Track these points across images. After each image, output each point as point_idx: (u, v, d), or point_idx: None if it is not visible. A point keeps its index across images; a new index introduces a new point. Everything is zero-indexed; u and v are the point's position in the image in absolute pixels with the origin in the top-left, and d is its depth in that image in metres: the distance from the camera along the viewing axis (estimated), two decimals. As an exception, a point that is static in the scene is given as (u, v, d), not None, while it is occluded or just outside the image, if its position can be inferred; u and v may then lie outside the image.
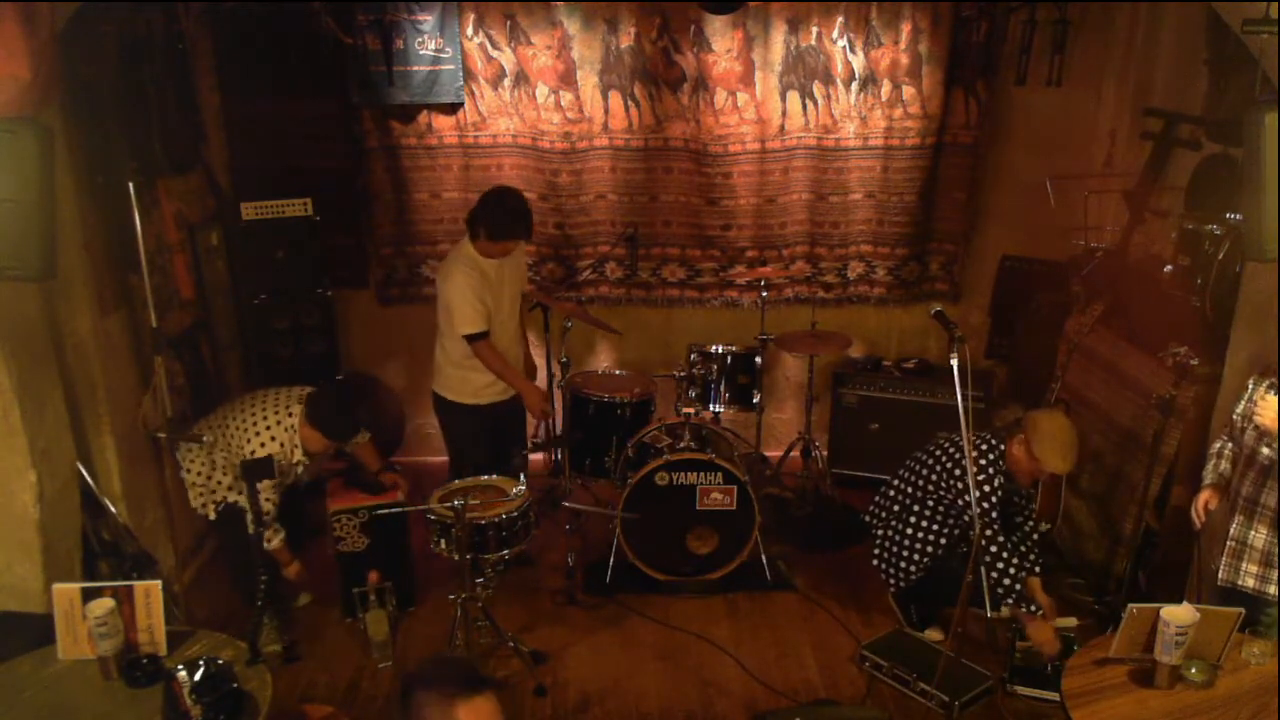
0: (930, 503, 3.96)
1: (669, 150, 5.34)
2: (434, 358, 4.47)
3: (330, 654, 4.05)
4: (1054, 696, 3.62)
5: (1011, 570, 3.65)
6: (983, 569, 3.71)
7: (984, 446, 3.77)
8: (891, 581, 4.13)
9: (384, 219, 5.43)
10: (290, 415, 3.93)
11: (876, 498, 4.23)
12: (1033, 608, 3.68)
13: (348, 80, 5.02)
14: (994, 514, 3.70)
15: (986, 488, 3.70)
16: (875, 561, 4.16)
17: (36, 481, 3.34)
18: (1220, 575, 3.27)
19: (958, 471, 3.81)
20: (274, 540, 3.95)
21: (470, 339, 4.19)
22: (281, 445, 3.89)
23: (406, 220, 5.43)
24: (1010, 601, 3.66)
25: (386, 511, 3.96)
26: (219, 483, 3.98)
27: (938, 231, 5.60)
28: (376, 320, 5.63)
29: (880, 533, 4.14)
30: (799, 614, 4.34)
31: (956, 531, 3.84)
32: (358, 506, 4.13)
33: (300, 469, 4.04)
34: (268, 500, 3.87)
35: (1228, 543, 3.25)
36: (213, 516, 4.04)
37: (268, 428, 3.88)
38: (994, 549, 3.69)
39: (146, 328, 4.09)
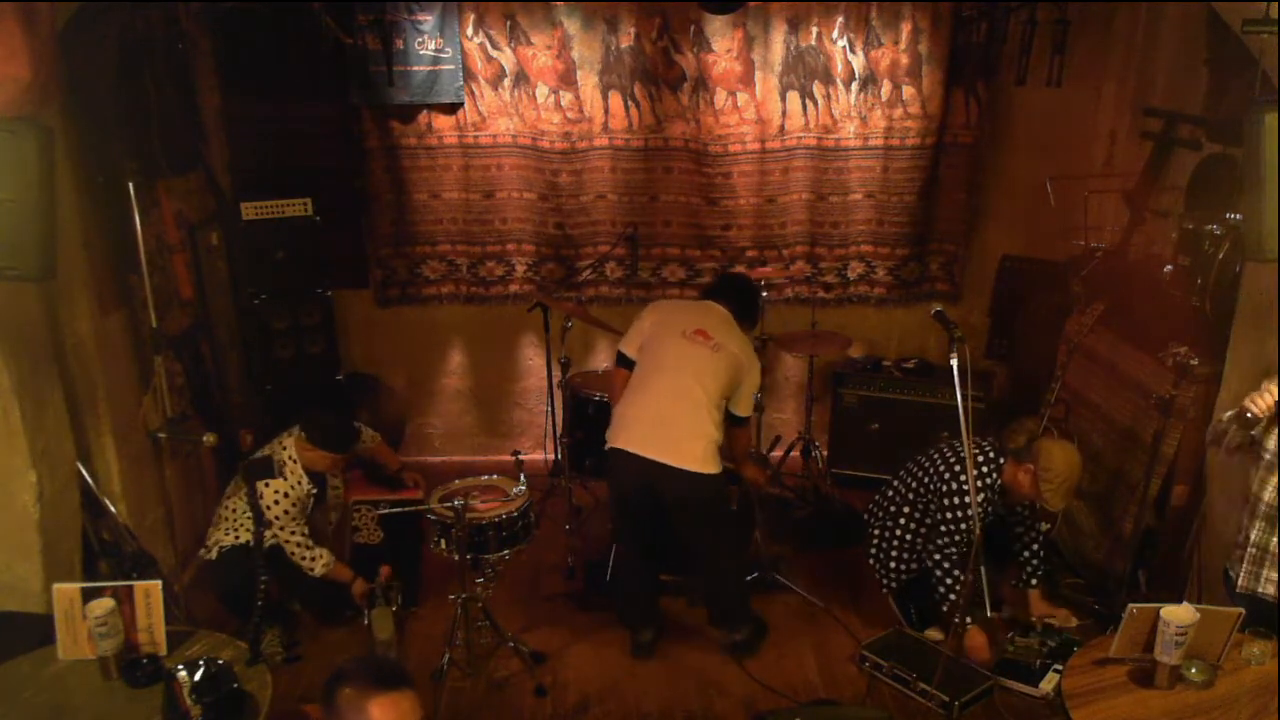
0: (919, 508, 3.98)
1: (669, 150, 5.34)
2: (694, 438, 3.74)
3: (330, 654, 4.04)
4: (1037, 693, 3.72)
5: (952, 598, 3.76)
6: (939, 575, 3.83)
7: (984, 466, 3.77)
8: (884, 581, 4.14)
9: (383, 219, 5.43)
10: (284, 449, 3.93)
11: (876, 497, 4.25)
12: (966, 619, 3.74)
13: (348, 80, 5.03)
14: (965, 530, 3.73)
15: (968, 499, 3.71)
16: (870, 560, 4.19)
17: (36, 481, 3.33)
18: (1240, 582, 3.22)
19: (947, 475, 3.83)
20: (317, 566, 3.95)
21: (746, 421, 4.08)
22: (292, 488, 3.89)
23: (406, 221, 5.43)
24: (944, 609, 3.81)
25: (393, 510, 3.97)
26: (242, 524, 3.92)
27: (938, 231, 5.60)
28: (376, 320, 5.63)
29: (876, 532, 4.16)
30: (799, 614, 4.34)
31: (942, 529, 3.85)
32: (378, 499, 4.13)
33: (312, 501, 4.02)
34: (293, 533, 3.88)
35: (1248, 549, 3.20)
36: (213, 557, 3.96)
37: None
38: (947, 565, 3.79)
39: (146, 328, 4.09)
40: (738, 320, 4.02)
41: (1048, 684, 3.74)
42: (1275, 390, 3.02)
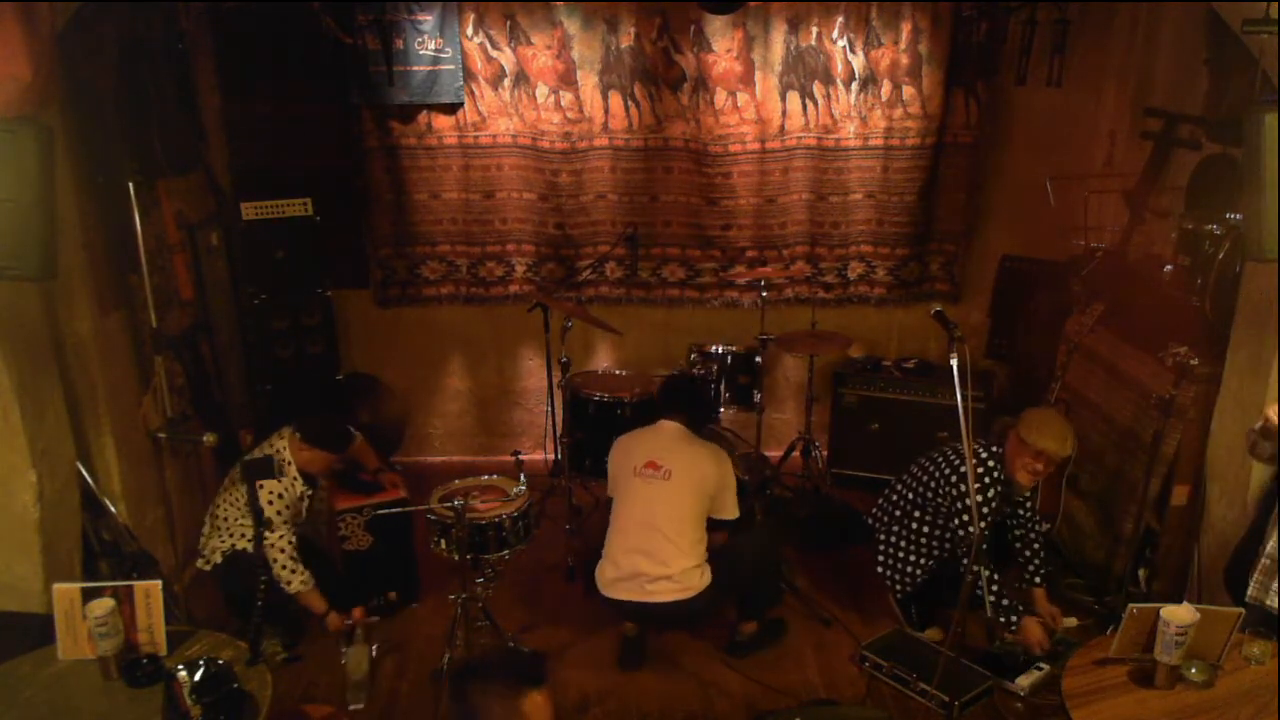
0: (930, 510, 3.97)
1: (669, 150, 5.34)
2: (672, 573, 3.73)
3: (330, 654, 4.04)
4: (1018, 690, 3.74)
5: (994, 589, 3.72)
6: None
7: (983, 454, 3.77)
8: (897, 588, 4.13)
9: (383, 219, 5.43)
10: (277, 452, 3.88)
11: (880, 501, 4.24)
12: (1013, 618, 3.76)
13: (348, 80, 5.03)
14: (985, 528, 3.71)
15: (979, 498, 3.70)
16: (879, 569, 4.16)
17: (36, 481, 3.33)
18: (1250, 591, 3.23)
19: (954, 478, 3.83)
20: (295, 582, 3.81)
21: (736, 523, 3.98)
22: (285, 489, 3.84)
23: (406, 221, 5.43)
24: (1004, 622, 3.76)
25: (388, 511, 3.96)
26: (240, 532, 3.85)
27: (938, 231, 5.60)
28: (377, 320, 5.63)
29: (883, 538, 4.14)
30: (799, 614, 4.34)
31: (961, 534, 3.84)
32: (362, 505, 4.13)
33: (306, 503, 3.98)
34: (280, 537, 3.79)
35: (1262, 560, 3.20)
36: (218, 560, 3.87)
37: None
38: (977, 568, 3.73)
39: (146, 328, 4.09)
40: (693, 427, 4.02)
41: (1025, 680, 3.75)
42: None
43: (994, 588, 3.73)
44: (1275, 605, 3.16)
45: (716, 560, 3.88)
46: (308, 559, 3.92)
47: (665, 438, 3.97)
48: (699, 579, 3.78)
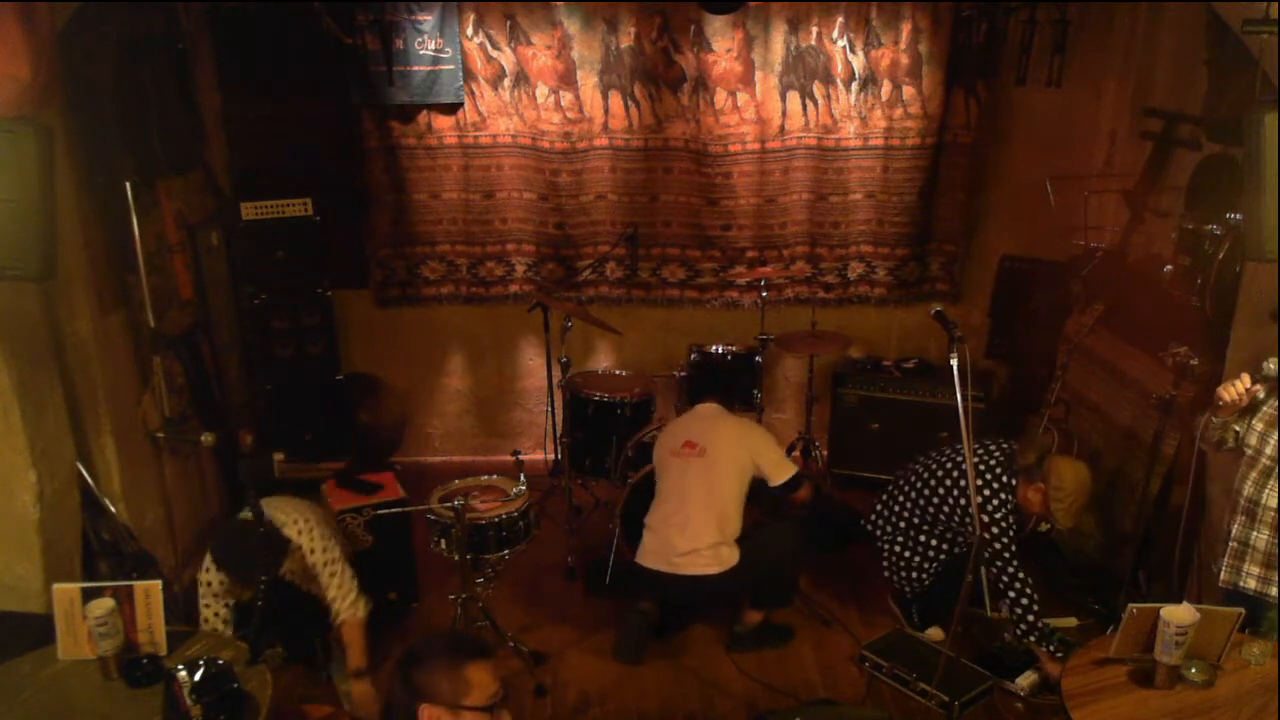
0: (940, 522, 3.95)
1: (669, 150, 5.33)
2: (702, 547, 3.84)
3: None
4: (1018, 690, 3.76)
5: (1035, 608, 3.69)
6: (1006, 602, 3.79)
7: (995, 485, 3.74)
8: (907, 590, 4.13)
9: (383, 220, 5.43)
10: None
11: (878, 505, 4.21)
12: (1051, 647, 3.72)
13: (348, 80, 5.03)
14: (1014, 549, 3.71)
15: (1005, 523, 3.70)
16: (886, 573, 4.16)
17: (36, 481, 3.33)
18: (1221, 576, 3.26)
19: (957, 492, 3.82)
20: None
21: (799, 480, 4.06)
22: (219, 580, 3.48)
23: (406, 221, 5.43)
24: (1032, 639, 3.72)
25: (388, 511, 3.96)
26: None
27: (938, 232, 5.59)
28: (376, 320, 5.63)
29: (887, 547, 4.13)
30: (799, 614, 4.34)
31: (969, 546, 3.83)
32: (361, 505, 4.13)
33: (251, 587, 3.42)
34: (207, 606, 3.47)
35: (1229, 544, 3.23)
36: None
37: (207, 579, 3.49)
38: (1017, 585, 3.72)
39: (146, 328, 4.09)
40: (727, 403, 4.21)
41: (1025, 680, 3.76)
42: (1247, 378, 3.04)
43: (1035, 608, 3.71)
44: (1251, 587, 3.20)
45: (743, 543, 3.93)
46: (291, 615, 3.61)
47: (702, 418, 4.14)
48: (726, 556, 3.85)
